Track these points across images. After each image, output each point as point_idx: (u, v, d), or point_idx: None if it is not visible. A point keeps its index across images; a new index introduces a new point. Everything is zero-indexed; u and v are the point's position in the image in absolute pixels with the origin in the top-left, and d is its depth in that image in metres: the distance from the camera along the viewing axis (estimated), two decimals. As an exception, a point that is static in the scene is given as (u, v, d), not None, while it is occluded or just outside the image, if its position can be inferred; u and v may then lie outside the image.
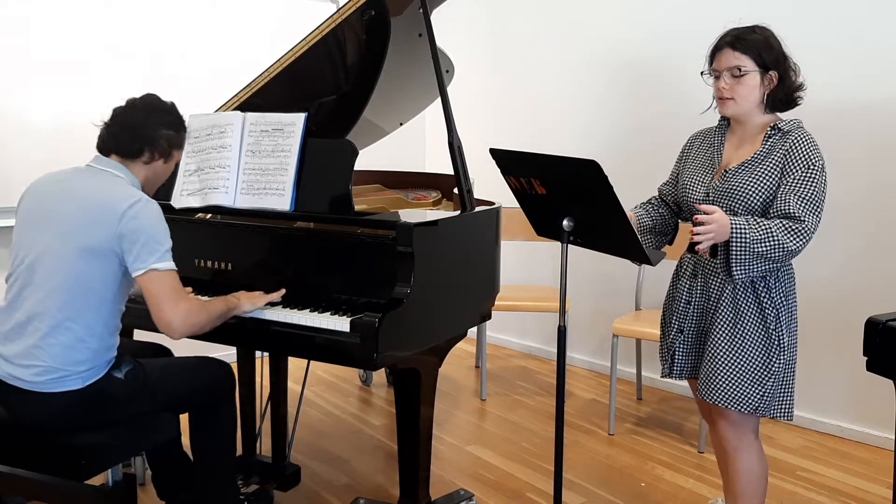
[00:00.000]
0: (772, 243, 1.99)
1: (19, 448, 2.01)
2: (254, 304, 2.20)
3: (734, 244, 2.00)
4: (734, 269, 2.03)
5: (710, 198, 2.15)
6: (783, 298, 2.12)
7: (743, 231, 2.00)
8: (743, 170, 2.11)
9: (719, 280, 2.17)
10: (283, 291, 2.26)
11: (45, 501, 1.94)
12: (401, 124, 3.26)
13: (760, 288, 2.11)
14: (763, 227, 2.00)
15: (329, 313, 2.14)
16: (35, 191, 2.12)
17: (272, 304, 2.24)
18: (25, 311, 2.00)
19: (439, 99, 2.49)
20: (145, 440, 2.20)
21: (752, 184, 2.08)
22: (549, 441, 3.34)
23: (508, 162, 2.14)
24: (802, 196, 2.02)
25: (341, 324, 2.08)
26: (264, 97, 2.70)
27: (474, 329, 3.99)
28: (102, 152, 2.13)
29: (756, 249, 1.99)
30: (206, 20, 4.12)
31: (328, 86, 2.85)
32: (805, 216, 2.01)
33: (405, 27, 2.65)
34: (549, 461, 3.10)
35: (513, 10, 4.61)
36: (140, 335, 2.54)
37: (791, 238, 1.99)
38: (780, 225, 2.00)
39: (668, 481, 2.99)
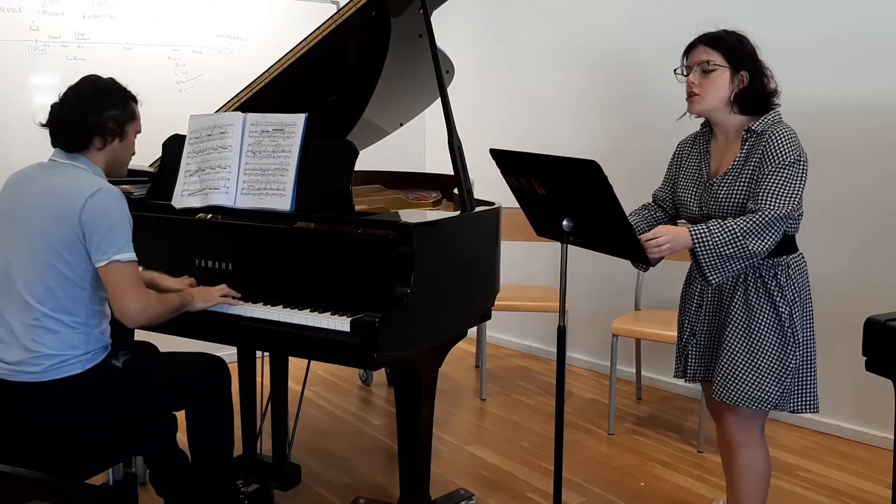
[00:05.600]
0: (736, 244, 2.00)
1: (20, 448, 2.01)
2: (206, 301, 2.22)
3: (698, 251, 2.03)
4: (708, 273, 2.05)
5: (703, 210, 2.18)
6: (796, 294, 2.12)
7: (704, 237, 2.02)
8: (726, 180, 2.13)
9: (730, 282, 2.17)
10: (238, 294, 2.26)
11: (46, 501, 1.94)
12: (401, 124, 3.27)
13: (772, 286, 2.11)
14: (727, 229, 2.01)
15: (329, 313, 2.15)
16: (5, 193, 2.15)
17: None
18: (10, 311, 2.05)
19: (439, 99, 2.49)
20: (145, 440, 2.20)
21: (734, 192, 2.11)
22: (548, 441, 3.34)
23: (508, 162, 2.14)
24: (766, 189, 2.03)
25: (341, 324, 2.08)
26: (265, 98, 2.70)
27: (474, 329, 3.99)
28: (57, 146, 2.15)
29: (723, 252, 2.01)
30: (206, 20, 4.12)
31: (329, 86, 2.86)
32: (763, 205, 2.02)
33: (405, 28, 2.66)
34: (549, 461, 3.10)
35: (513, 11, 4.61)
36: (139, 334, 2.54)
37: (752, 234, 2.00)
38: (743, 221, 2.02)
39: (668, 481, 3.00)
